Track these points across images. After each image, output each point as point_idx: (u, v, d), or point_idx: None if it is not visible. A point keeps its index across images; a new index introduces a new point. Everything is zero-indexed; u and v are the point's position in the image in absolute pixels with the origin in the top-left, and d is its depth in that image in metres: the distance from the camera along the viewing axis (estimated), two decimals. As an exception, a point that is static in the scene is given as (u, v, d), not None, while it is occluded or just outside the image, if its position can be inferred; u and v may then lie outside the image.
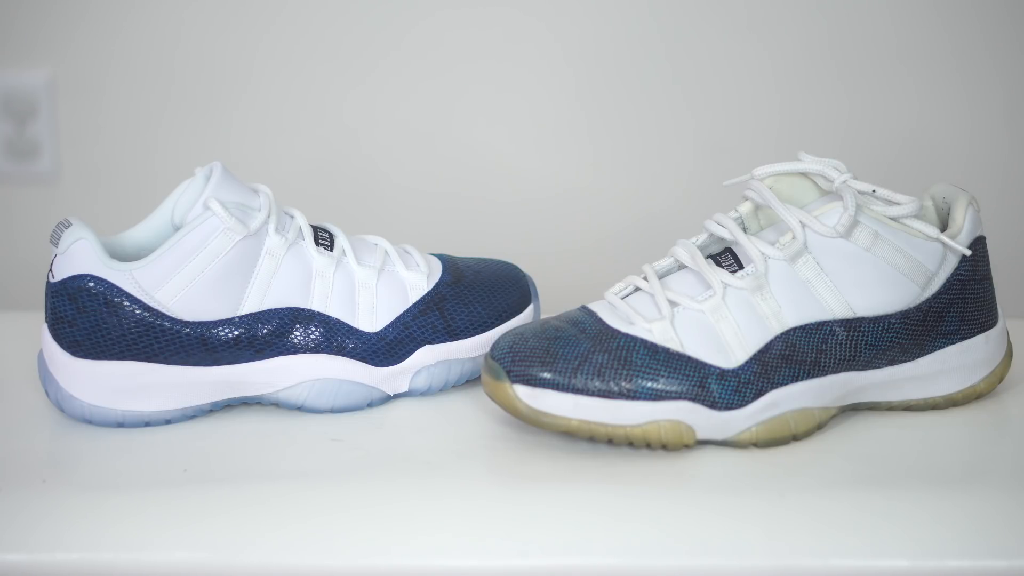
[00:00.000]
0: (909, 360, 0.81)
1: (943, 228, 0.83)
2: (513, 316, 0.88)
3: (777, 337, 0.78)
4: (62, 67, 1.31)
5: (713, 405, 0.77)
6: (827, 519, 0.71)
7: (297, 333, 0.82)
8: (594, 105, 1.31)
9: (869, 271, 0.79)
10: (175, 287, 0.80)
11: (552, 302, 0.94)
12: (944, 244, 0.81)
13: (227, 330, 0.81)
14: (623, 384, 0.77)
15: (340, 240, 0.85)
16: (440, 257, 0.89)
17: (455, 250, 1.01)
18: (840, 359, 0.79)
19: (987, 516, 0.71)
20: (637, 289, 0.81)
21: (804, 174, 0.81)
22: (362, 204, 1.33)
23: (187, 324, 0.80)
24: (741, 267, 0.79)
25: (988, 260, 0.83)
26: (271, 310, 0.82)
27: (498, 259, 0.92)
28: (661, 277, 0.81)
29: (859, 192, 0.80)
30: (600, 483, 0.75)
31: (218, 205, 0.80)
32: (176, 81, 1.31)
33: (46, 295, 0.81)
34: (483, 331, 0.86)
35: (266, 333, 0.82)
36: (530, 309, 0.89)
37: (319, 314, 0.83)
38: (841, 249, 0.79)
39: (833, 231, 0.78)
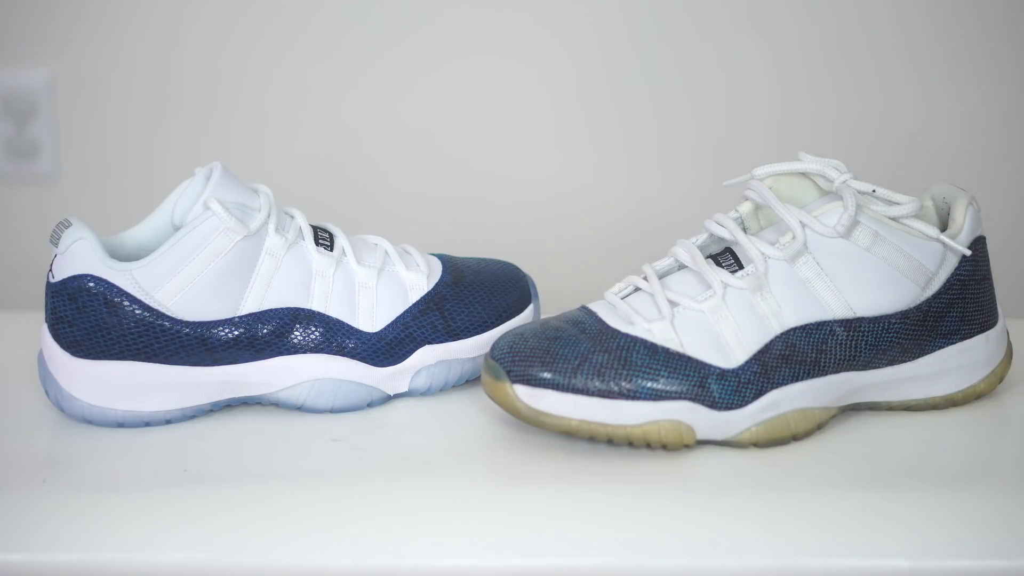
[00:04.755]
0: (909, 360, 0.81)
1: (943, 228, 0.83)
2: (513, 316, 0.88)
3: (777, 337, 0.78)
4: (62, 67, 1.31)
5: (713, 405, 0.77)
6: (827, 519, 0.71)
7: (297, 333, 0.82)
8: (595, 105, 1.31)
9: (869, 271, 0.79)
10: (175, 287, 0.80)
11: (552, 302, 0.94)
12: (944, 244, 0.81)
13: (227, 330, 0.81)
14: (623, 384, 0.77)
15: (340, 240, 0.85)
16: (440, 257, 0.89)
17: (455, 250, 1.01)
18: (840, 359, 0.79)
19: (987, 516, 0.71)
20: (637, 289, 0.81)
21: (804, 174, 0.81)
22: (362, 204, 1.33)
23: (187, 324, 0.80)
24: (741, 267, 0.79)
25: (988, 260, 0.83)
26: (271, 310, 0.82)
27: (498, 259, 0.92)
28: (661, 277, 0.81)
29: (859, 192, 0.80)
30: (600, 483, 0.75)
31: (218, 205, 0.80)
32: (176, 81, 1.31)
33: (46, 295, 0.81)
34: (483, 331, 0.86)
35: (266, 333, 0.82)
36: (530, 309, 0.89)
37: (319, 314, 0.83)
38: (841, 249, 0.79)
39: (833, 231, 0.78)
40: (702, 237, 0.82)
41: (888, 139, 1.30)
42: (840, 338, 0.79)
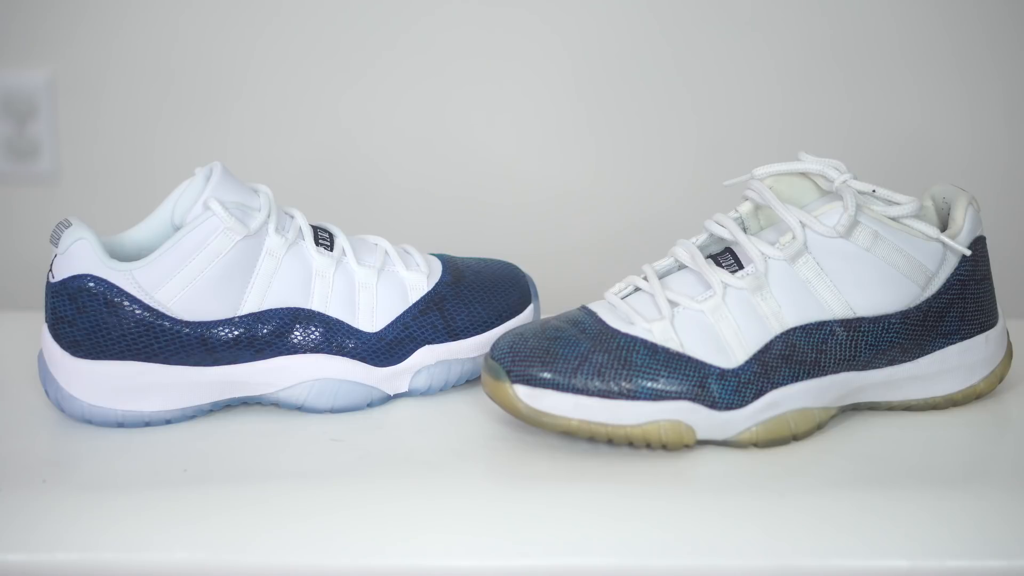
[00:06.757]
0: (909, 360, 0.81)
1: (943, 228, 0.83)
2: (513, 316, 0.88)
3: (777, 337, 0.78)
4: (62, 67, 1.31)
5: (713, 405, 0.77)
6: (827, 519, 0.71)
7: (297, 333, 0.82)
8: (595, 105, 1.31)
9: (869, 271, 0.79)
10: (175, 287, 0.80)
11: (552, 302, 0.94)
12: (944, 244, 0.81)
13: (227, 330, 0.81)
14: (623, 384, 0.77)
15: (340, 240, 0.85)
16: (440, 257, 0.89)
17: (455, 250, 1.01)
18: (840, 359, 0.79)
19: (987, 516, 0.71)
20: (637, 289, 0.81)
21: (804, 174, 0.81)
22: (362, 204, 1.33)
23: (187, 324, 0.80)
24: (741, 267, 0.79)
25: (988, 260, 0.83)
26: (271, 310, 0.82)
27: (498, 259, 0.92)
28: (661, 277, 0.81)
29: (859, 192, 0.80)
30: (600, 483, 0.75)
31: (218, 205, 0.80)
32: (176, 81, 1.31)
33: (46, 295, 0.81)
34: (483, 331, 0.86)
35: (266, 333, 0.82)
36: (530, 309, 0.89)
37: (319, 314, 0.83)
38: (841, 249, 0.79)
39: (833, 231, 0.78)
40: (702, 237, 0.82)
41: (889, 139, 1.30)
42: (840, 338, 0.79)
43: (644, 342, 0.78)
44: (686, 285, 0.80)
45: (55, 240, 0.80)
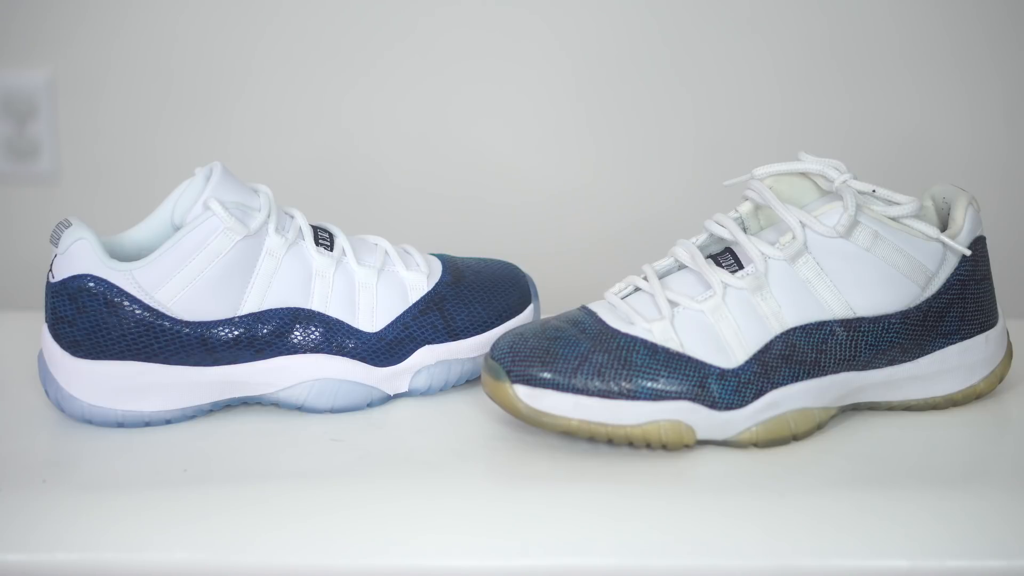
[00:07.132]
0: (909, 360, 0.81)
1: (943, 228, 0.83)
2: (513, 316, 0.88)
3: (777, 337, 0.78)
4: (62, 67, 1.31)
5: (713, 405, 0.77)
6: (827, 519, 0.71)
7: (297, 333, 0.82)
8: (595, 104, 1.31)
9: (869, 271, 0.79)
10: (175, 287, 0.80)
11: (552, 302, 0.94)
12: (944, 244, 0.81)
13: (227, 330, 0.81)
14: (623, 384, 0.77)
15: (340, 240, 0.85)
16: (440, 257, 0.89)
17: (455, 250, 1.01)
18: (840, 359, 0.79)
19: (987, 516, 0.71)
20: (637, 289, 0.81)
21: (804, 174, 0.81)
22: (362, 204, 1.33)
23: (187, 324, 0.80)
24: (741, 267, 0.79)
25: (988, 260, 0.83)
26: (271, 310, 0.82)
27: (498, 259, 0.92)
28: (661, 277, 0.81)
29: (859, 192, 0.80)
30: (600, 483, 0.75)
31: (218, 205, 0.80)
32: (176, 81, 1.31)
33: (46, 295, 0.81)
34: (483, 331, 0.86)
35: (266, 333, 0.82)
36: (530, 309, 0.89)
37: (319, 314, 0.83)
38: (841, 249, 0.79)
39: (833, 231, 0.78)
40: (702, 237, 0.82)
41: (889, 140, 1.30)
42: (840, 338, 0.79)
43: (644, 342, 0.78)
44: (686, 285, 0.80)
45: (55, 240, 0.80)
